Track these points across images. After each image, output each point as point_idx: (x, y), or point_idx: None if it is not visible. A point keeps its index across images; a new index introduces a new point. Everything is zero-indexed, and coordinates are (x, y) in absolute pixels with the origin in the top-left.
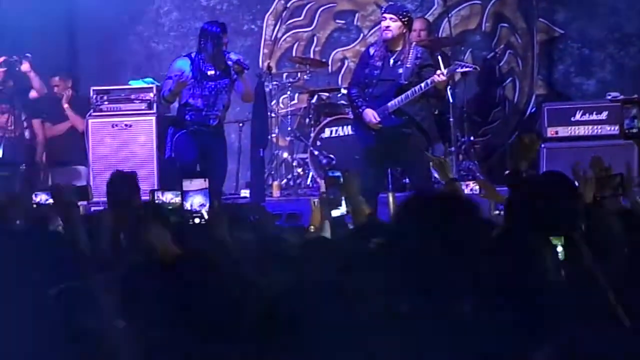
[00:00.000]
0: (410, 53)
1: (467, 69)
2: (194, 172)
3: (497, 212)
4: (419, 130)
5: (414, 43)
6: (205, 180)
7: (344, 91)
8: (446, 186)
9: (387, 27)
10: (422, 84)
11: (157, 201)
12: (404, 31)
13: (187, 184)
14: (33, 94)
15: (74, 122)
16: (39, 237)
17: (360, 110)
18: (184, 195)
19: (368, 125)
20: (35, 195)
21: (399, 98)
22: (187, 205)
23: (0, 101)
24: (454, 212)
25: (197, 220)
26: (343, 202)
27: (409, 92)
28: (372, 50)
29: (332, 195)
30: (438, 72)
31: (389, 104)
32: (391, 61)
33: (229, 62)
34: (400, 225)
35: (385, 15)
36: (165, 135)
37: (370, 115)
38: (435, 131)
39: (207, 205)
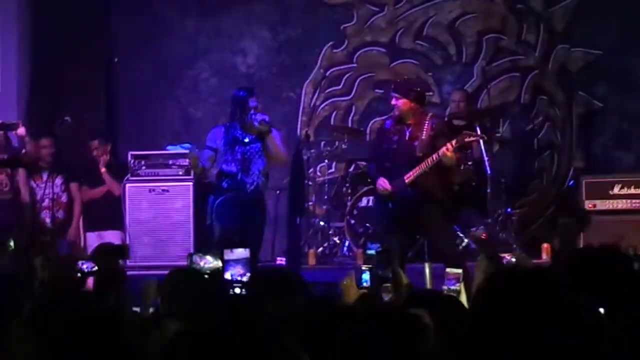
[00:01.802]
0: (425, 125)
1: (473, 139)
2: (235, 242)
3: None
4: (434, 202)
5: (430, 114)
6: (246, 250)
7: (364, 163)
8: (489, 260)
9: (394, 105)
10: (434, 156)
11: (194, 265)
12: (412, 106)
13: (228, 254)
14: (25, 158)
15: (110, 186)
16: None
17: (375, 179)
18: (225, 265)
19: (385, 196)
20: (82, 264)
21: (412, 171)
22: (228, 275)
23: None
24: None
25: (237, 290)
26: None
27: (422, 165)
28: (387, 123)
29: (380, 271)
30: (447, 144)
31: (405, 177)
32: (407, 134)
33: (255, 124)
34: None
35: (392, 94)
36: (206, 203)
37: (382, 182)
38: (471, 202)
39: (248, 274)
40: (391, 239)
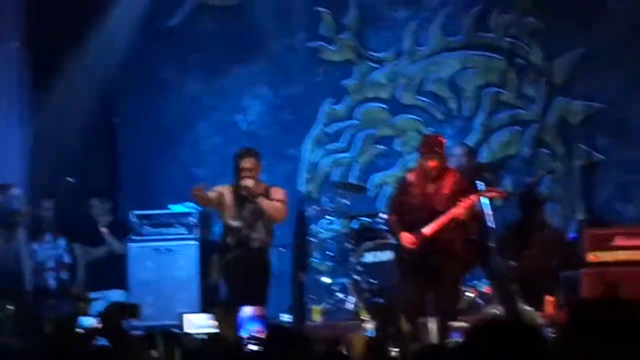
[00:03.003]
0: (447, 180)
1: (496, 194)
2: (242, 300)
3: None
4: (452, 257)
5: (452, 169)
6: (260, 308)
7: (384, 216)
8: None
9: (434, 167)
10: (453, 210)
11: (185, 328)
12: (445, 164)
13: (242, 311)
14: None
15: (111, 245)
16: None
17: (398, 235)
18: (240, 322)
19: (406, 250)
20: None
21: (432, 224)
22: (244, 333)
23: None
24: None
25: (253, 347)
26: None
27: (442, 218)
28: (410, 177)
29: (383, 327)
30: (464, 199)
31: (423, 230)
32: (429, 188)
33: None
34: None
35: (430, 158)
36: (211, 262)
37: (406, 237)
38: (474, 256)
39: (263, 332)
40: (399, 294)
